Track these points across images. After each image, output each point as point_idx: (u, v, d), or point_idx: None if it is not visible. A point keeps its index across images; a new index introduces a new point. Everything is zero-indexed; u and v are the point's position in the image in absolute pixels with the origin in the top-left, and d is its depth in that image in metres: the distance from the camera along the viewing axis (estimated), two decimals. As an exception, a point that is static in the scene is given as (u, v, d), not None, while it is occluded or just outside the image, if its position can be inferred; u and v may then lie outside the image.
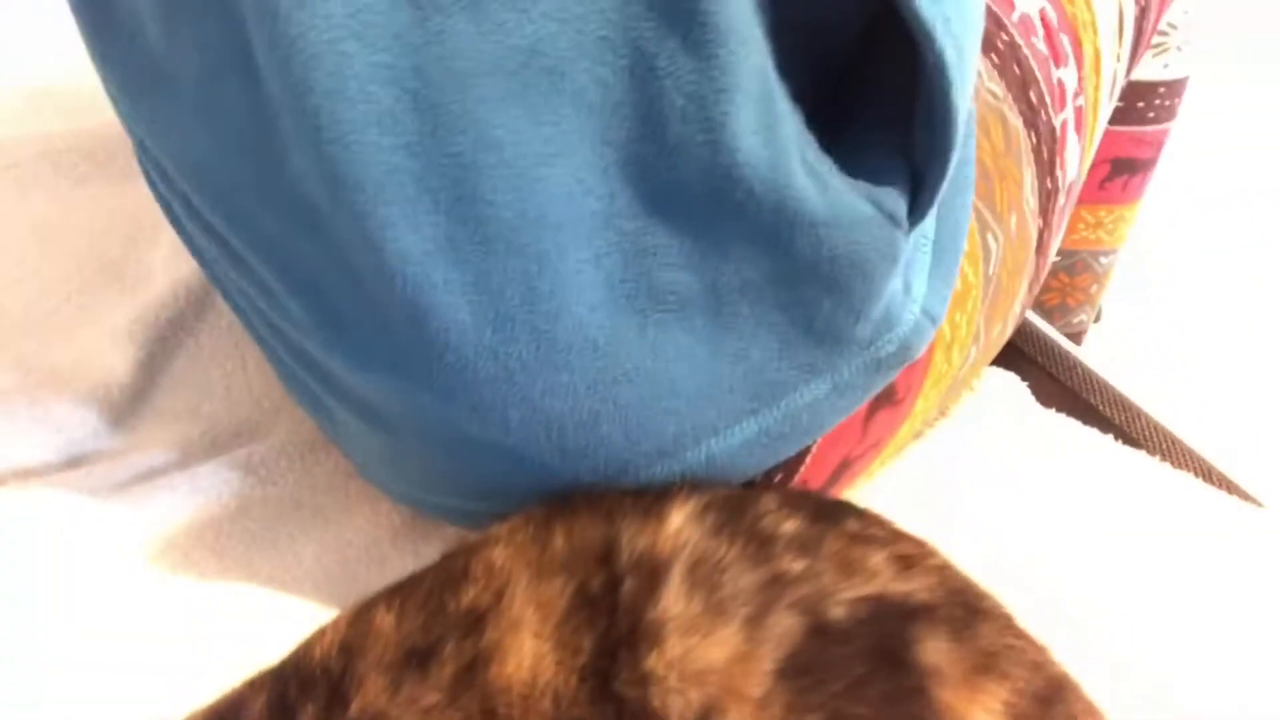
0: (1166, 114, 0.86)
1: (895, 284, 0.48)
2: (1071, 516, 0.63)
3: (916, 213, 0.46)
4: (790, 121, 0.43)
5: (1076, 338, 0.97)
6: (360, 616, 0.48)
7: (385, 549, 0.66)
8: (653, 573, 0.44)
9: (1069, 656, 0.53)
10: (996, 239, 0.57)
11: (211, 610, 0.59)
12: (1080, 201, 0.88)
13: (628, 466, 0.50)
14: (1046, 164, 0.62)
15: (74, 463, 0.68)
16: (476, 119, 0.41)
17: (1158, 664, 0.58)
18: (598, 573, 0.45)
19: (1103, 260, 0.93)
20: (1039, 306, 0.94)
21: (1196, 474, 0.66)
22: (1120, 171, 0.87)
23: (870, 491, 0.63)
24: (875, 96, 0.48)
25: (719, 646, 0.42)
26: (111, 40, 0.47)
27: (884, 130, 0.47)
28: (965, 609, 0.45)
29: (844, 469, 0.58)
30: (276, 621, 0.59)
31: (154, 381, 0.73)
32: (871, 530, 0.49)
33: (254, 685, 0.48)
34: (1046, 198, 0.62)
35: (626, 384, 0.46)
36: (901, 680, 0.41)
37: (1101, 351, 1.01)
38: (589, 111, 0.42)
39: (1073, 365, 0.73)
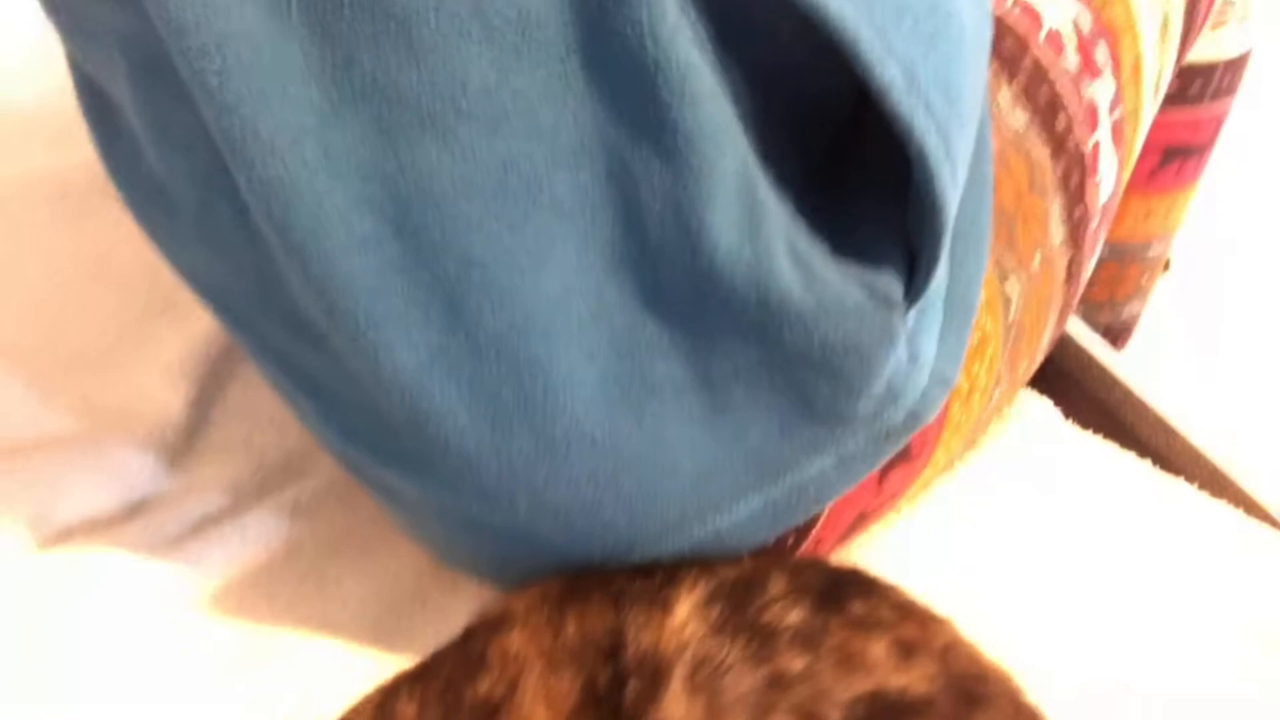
0: (1224, 91, 0.80)
1: (899, 356, 0.47)
2: (1104, 548, 0.62)
3: (914, 291, 0.45)
4: (775, 214, 0.42)
5: (1126, 328, 0.93)
6: (384, 707, 0.50)
7: (426, 584, 0.68)
8: (655, 674, 0.46)
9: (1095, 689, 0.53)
10: (1018, 283, 0.55)
11: (266, 655, 0.63)
12: (1129, 193, 0.83)
13: (634, 545, 0.51)
14: (1076, 190, 0.59)
15: (133, 509, 0.72)
16: (457, 239, 0.41)
17: (1185, 694, 0.58)
18: (604, 668, 0.47)
19: (1154, 249, 0.88)
20: (1085, 302, 0.90)
21: (1236, 504, 0.64)
22: (1172, 158, 0.82)
23: (899, 529, 0.63)
24: (870, 173, 0.47)
25: (717, 755, 0.43)
26: (118, 156, 0.49)
27: (880, 208, 0.46)
28: (963, 699, 0.46)
29: (860, 522, 0.58)
30: (325, 666, 0.63)
31: (207, 417, 0.77)
32: (878, 612, 0.49)
33: None
34: (1076, 225, 0.59)
35: (627, 473, 0.47)
36: (894, 787, 0.42)
37: (1157, 328, 0.96)
38: (569, 218, 0.42)
39: (1111, 383, 0.70)
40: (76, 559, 0.64)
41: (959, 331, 0.50)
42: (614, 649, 0.48)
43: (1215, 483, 0.66)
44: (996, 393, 0.58)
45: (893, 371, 0.47)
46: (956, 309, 0.50)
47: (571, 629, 0.50)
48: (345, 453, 0.53)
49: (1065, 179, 0.58)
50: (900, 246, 0.45)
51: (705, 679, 0.45)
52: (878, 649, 0.47)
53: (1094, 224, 0.62)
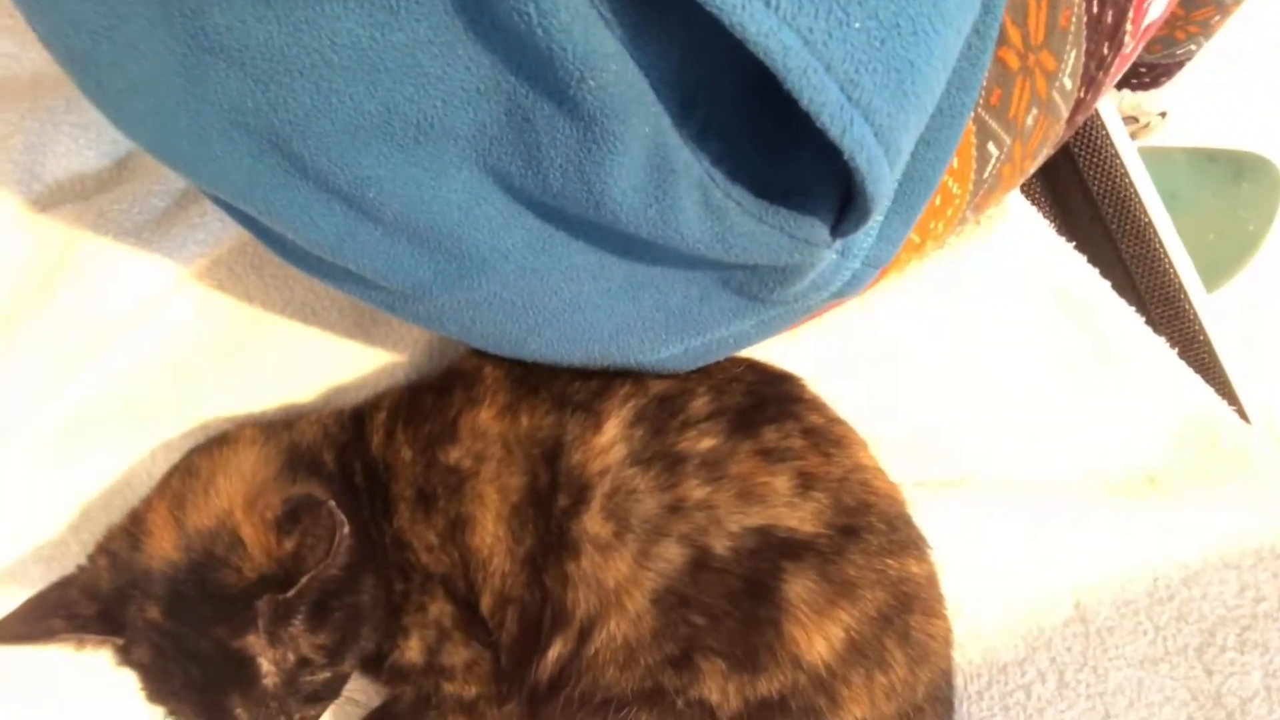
0: None
1: (826, 258, 0.44)
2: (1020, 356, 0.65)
3: (842, 233, 0.41)
4: (689, 172, 0.39)
5: (1177, 65, 0.82)
6: (391, 436, 0.59)
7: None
8: (580, 492, 0.53)
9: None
10: (1001, 145, 0.51)
11: (258, 328, 0.69)
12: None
13: (561, 364, 0.55)
14: (1109, 29, 0.51)
15: (119, 167, 0.73)
16: (345, 164, 0.39)
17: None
18: (545, 472, 0.55)
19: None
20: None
21: (1190, 355, 0.64)
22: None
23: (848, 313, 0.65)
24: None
25: (615, 568, 0.52)
26: None
27: (816, 144, 0.42)
28: (844, 534, 0.53)
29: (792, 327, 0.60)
30: (311, 347, 0.70)
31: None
32: (788, 440, 0.54)
33: (326, 434, 0.60)
34: (1098, 66, 0.52)
35: (549, 327, 0.50)
36: (761, 612, 0.51)
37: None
38: (466, 146, 0.39)
39: (1117, 181, 0.64)
40: (72, 235, 0.67)
41: (907, 213, 0.45)
42: (554, 454, 0.54)
43: (1181, 320, 0.65)
44: (959, 230, 0.56)
45: (818, 271, 0.45)
46: (910, 192, 0.45)
47: (524, 421, 0.56)
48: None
49: (1096, 21, 0.51)
50: (834, 184, 0.40)
51: (618, 504, 0.53)
52: (780, 481, 0.53)
53: (1128, 48, 0.54)
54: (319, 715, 0.55)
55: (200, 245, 0.68)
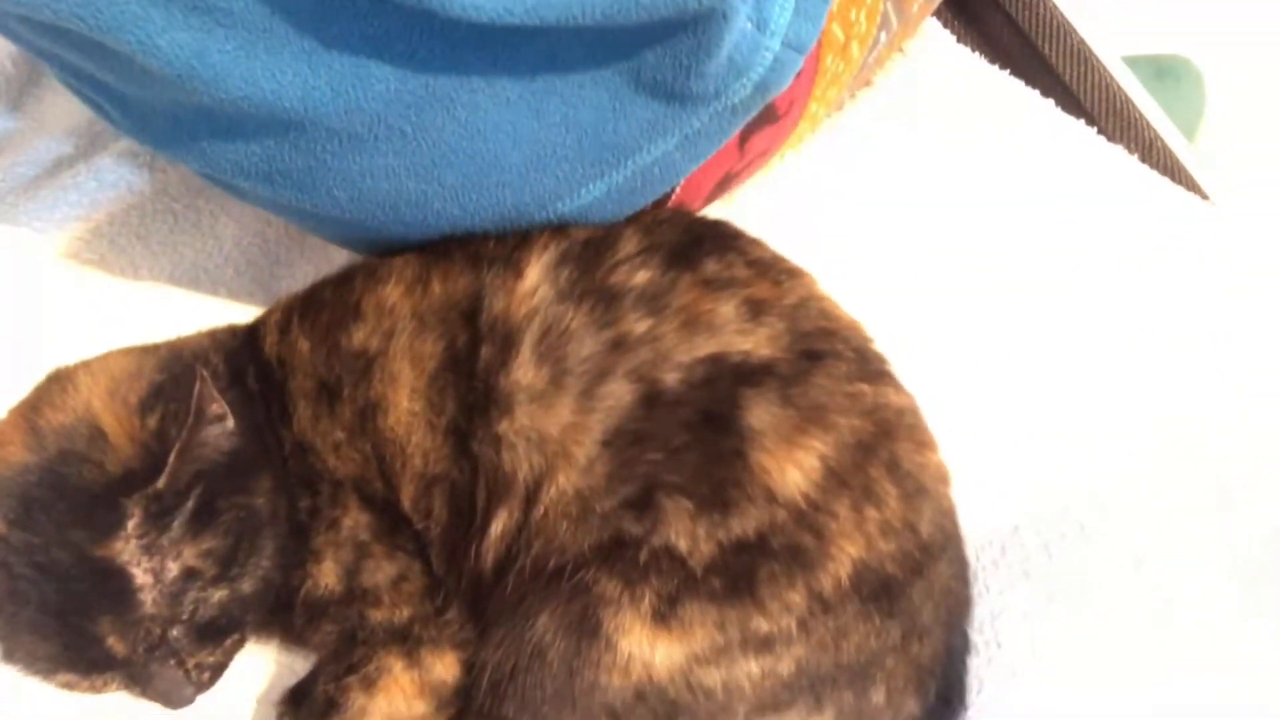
0: None
1: (740, 26, 0.41)
2: (982, 181, 0.60)
3: None
4: None
5: None
6: (286, 331, 0.51)
7: (304, 225, 0.67)
8: (507, 339, 0.46)
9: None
10: None
11: (146, 299, 0.63)
12: None
13: (472, 232, 0.49)
14: None
15: (-18, 150, 0.68)
16: None
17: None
18: (464, 331, 0.47)
19: None
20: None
21: (1137, 146, 0.60)
22: None
23: (779, 171, 0.60)
24: None
25: (556, 417, 0.45)
26: None
27: None
28: (806, 358, 0.46)
29: (727, 182, 0.55)
30: (206, 310, 0.63)
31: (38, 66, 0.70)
32: (732, 270, 0.48)
33: (214, 340, 0.52)
34: None
35: (448, 166, 0.44)
36: (722, 444, 0.44)
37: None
38: None
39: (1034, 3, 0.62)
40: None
41: None
42: (473, 312, 0.48)
43: (1121, 120, 0.62)
44: (883, 36, 0.53)
45: (734, 43, 0.41)
46: None
47: (436, 288, 0.49)
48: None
49: None
50: None
51: (551, 346, 0.46)
52: (726, 308, 0.47)
53: None
54: (223, 661, 0.45)
55: (72, 207, 0.63)
